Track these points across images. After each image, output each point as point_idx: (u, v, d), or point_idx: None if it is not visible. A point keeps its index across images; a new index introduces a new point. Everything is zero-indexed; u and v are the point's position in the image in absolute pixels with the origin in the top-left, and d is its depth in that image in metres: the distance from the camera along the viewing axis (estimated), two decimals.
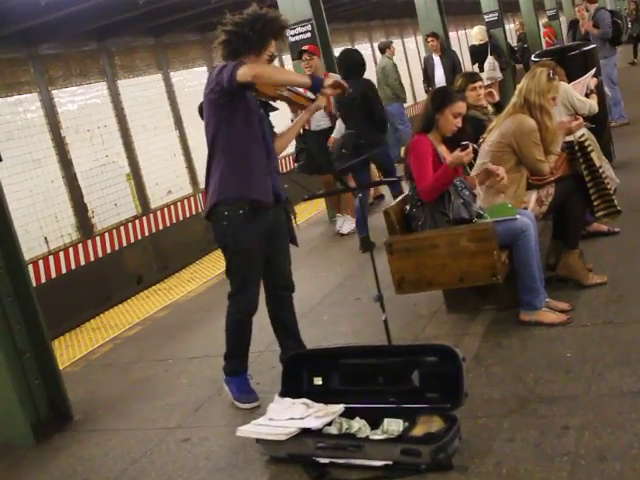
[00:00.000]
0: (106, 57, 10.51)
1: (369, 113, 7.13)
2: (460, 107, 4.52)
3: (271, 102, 4.29)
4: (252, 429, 3.66)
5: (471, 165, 4.94)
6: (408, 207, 4.57)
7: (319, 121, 7.64)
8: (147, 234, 10.71)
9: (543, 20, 21.99)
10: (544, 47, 15.15)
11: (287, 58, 9.10)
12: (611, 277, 4.92)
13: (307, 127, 7.61)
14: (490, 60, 12.25)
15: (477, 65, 12.74)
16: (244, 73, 3.79)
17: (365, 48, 17.08)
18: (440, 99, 4.55)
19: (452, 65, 11.07)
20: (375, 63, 15.08)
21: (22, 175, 8.77)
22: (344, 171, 6.83)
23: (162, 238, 10.88)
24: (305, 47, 7.72)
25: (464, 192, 4.45)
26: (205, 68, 12.24)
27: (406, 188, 4.96)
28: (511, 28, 21.52)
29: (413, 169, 4.53)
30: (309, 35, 7.87)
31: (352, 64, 7.35)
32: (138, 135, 10.78)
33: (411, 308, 5.21)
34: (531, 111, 4.82)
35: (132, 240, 10.45)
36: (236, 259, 4.17)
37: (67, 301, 8.65)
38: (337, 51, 8.49)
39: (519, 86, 4.98)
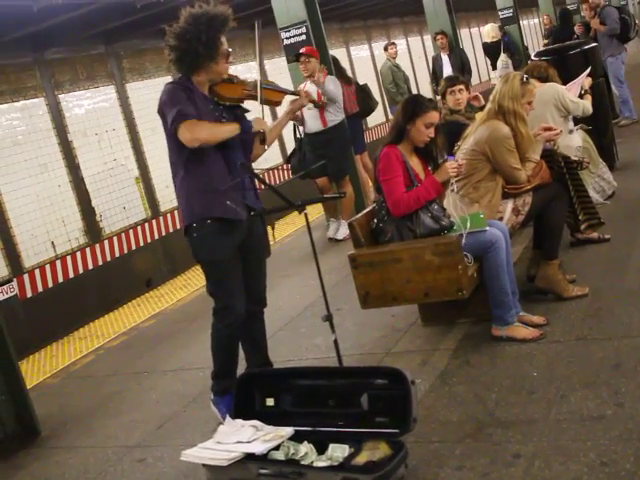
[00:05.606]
0: (114, 60, 10.49)
1: None
2: (432, 117, 4.31)
3: (239, 104, 4.10)
4: (196, 453, 3.55)
5: None
6: (375, 221, 4.41)
7: (312, 124, 7.49)
8: (157, 237, 10.69)
9: None
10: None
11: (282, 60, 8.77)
12: (594, 289, 4.70)
13: (301, 132, 7.50)
14: (503, 58, 12.01)
15: (490, 63, 12.51)
16: (186, 140, 3.75)
17: (363, 49, 16.53)
18: (411, 109, 4.33)
19: (461, 63, 10.82)
20: (374, 65, 14.94)
21: (28, 180, 8.76)
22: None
23: (172, 241, 10.83)
24: (302, 50, 7.57)
25: (432, 206, 4.28)
26: None
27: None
28: (530, 24, 21.11)
29: (382, 183, 4.37)
30: (304, 37, 7.69)
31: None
32: (147, 138, 10.71)
33: (389, 320, 5.07)
34: (505, 117, 4.61)
35: (141, 244, 10.43)
36: (213, 271, 4.03)
37: (74, 306, 8.65)
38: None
39: (493, 92, 4.78)
